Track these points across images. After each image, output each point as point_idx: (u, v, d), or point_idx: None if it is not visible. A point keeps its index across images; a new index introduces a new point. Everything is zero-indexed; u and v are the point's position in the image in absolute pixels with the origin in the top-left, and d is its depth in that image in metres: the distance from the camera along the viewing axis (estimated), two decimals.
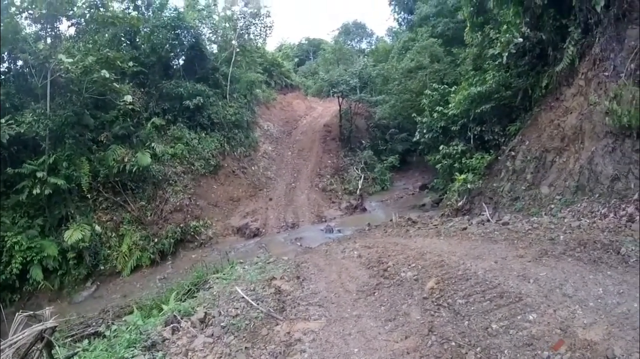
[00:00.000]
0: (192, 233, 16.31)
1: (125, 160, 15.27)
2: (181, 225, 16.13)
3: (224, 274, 10.21)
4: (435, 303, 5.76)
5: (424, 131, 16.08)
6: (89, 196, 14.67)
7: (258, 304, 6.59)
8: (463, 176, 12.85)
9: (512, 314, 5.02)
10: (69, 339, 9.03)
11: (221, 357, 5.14)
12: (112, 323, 8.81)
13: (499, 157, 12.31)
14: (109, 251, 14.64)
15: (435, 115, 15.45)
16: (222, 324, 6.04)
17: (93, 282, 14.15)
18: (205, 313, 6.58)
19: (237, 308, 6.54)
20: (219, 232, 16.98)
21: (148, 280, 14.15)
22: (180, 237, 15.87)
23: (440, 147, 14.68)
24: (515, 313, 5.03)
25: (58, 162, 13.64)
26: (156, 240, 15.15)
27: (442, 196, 15.41)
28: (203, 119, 19.99)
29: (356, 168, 21.72)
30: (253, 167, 21.57)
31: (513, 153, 11.48)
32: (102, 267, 14.31)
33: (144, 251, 14.87)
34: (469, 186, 12.48)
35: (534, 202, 10.05)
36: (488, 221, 10.28)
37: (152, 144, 17.01)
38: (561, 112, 10.28)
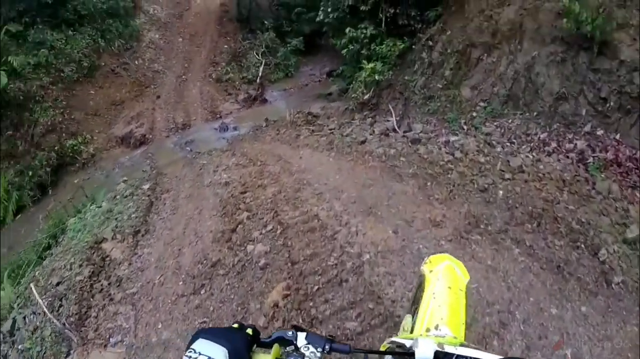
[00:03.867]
0: (71, 154, 13.95)
1: None
2: (56, 148, 13.66)
3: (79, 218, 8.73)
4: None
5: (329, 10, 13.57)
6: None
7: (60, 310, 5.08)
8: (371, 65, 11.31)
9: None
10: None
11: None
12: None
13: (413, 46, 10.87)
14: None
15: None
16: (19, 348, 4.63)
17: None
18: (14, 319, 5.05)
19: (34, 322, 5.04)
20: (102, 147, 14.66)
21: (32, 222, 12.15)
22: (57, 162, 13.55)
23: (347, 30, 12.59)
24: None
25: None
26: (30, 173, 12.80)
27: (350, 84, 13.96)
28: (68, 13, 16.09)
29: (256, 53, 19.04)
30: (137, 62, 18.32)
31: (431, 43, 10.02)
32: None
33: (21, 189, 12.64)
34: (377, 77, 11.06)
35: (451, 106, 8.71)
36: (394, 130, 9.12)
37: (9, 58, 13.52)
38: (495, 1, 8.61)
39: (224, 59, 19.19)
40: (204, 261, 5.45)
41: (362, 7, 12.23)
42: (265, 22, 20.72)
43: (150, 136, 14.73)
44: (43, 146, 13.60)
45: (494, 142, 7.01)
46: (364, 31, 12.24)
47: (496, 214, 5.16)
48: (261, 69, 17.95)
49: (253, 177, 7.63)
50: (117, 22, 18.08)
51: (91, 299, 5.25)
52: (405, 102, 10.16)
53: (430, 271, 2.13)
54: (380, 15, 12.14)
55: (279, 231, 5.48)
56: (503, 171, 6.18)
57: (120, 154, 14.31)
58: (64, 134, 14.22)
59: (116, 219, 7.57)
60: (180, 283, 5.22)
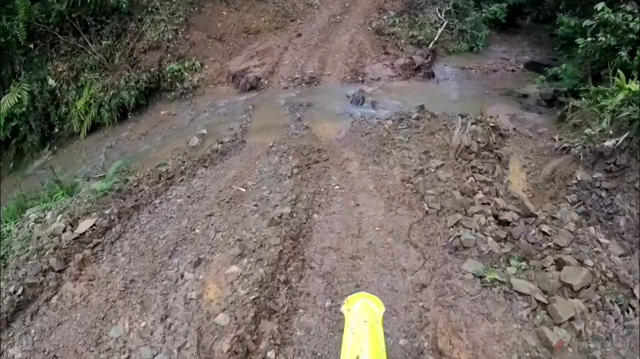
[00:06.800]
0: (169, 79, 11.52)
1: None
2: (152, 69, 11.34)
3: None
4: None
5: None
6: (31, 45, 11.10)
7: None
8: (635, 86, 6.33)
9: None
10: None
11: None
12: None
13: None
14: (65, 109, 11.27)
15: None
16: None
17: (50, 147, 11.75)
18: None
19: None
20: (209, 79, 11.83)
21: (99, 146, 10.59)
22: (148, 85, 11.33)
23: (599, 7, 7.47)
24: None
25: None
26: (112, 92, 10.84)
27: (565, 97, 8.86)
28: None
29: (439, 10, 14.28)
30: None
31: None
32: (57, 130, 11.66)
33: (102, 106, 10.98)
34: None
35: None
36: None
37: None
38: None
39: (395, 6, 14.84)
40: None
41: None
42: None
43: (266, 82, 11.37)
44: (141, 64, 11.42)
45: None
46: (631, 14, 7.18)
47: None
48: (439, 31, 13.29)
49: None
50: None
51: None
52: None
53: (348, 310, 2.42)
54: None
55: None
56: None
57: (224, 95, 11.34)
58: (168, 55, 11.77)
59: None
60: None
